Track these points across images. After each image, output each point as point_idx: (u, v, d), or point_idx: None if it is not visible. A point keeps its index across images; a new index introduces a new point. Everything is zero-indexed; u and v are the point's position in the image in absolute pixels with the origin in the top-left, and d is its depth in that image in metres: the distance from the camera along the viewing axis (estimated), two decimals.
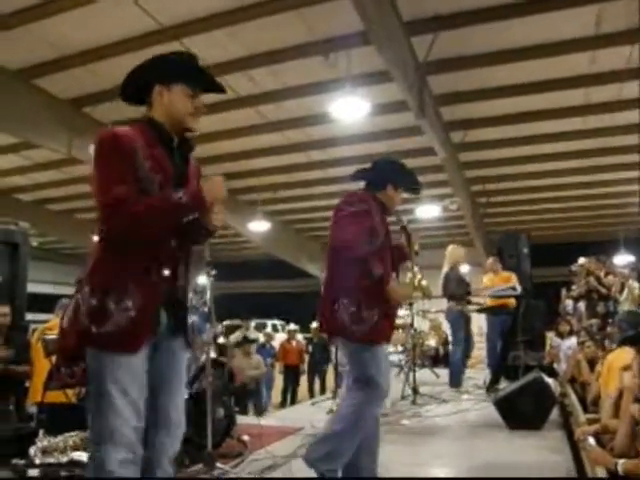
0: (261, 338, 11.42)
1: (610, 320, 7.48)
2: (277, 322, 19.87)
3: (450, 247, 7.40)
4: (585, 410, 4.65)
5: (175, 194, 1.93)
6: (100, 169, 1.94)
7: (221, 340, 8.95)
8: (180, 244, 2.04)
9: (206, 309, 2.95)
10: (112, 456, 1.84)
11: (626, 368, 3.57)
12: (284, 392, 10.50)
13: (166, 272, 1.98)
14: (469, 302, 7.14)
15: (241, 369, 8.74)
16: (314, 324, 11.24)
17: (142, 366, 1.93)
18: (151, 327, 1.95)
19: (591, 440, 3.28)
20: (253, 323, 18.38)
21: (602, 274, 8.85)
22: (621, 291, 8.12)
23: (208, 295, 2.95)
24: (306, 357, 11.15)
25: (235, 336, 10.04)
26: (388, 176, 3.15)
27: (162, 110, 2.06)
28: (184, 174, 2.09)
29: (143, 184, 1.93)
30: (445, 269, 7.13)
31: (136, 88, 2.12)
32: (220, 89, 2.18)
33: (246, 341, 9.27)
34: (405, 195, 3.26)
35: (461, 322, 6.97)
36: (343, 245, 2.88)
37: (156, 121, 2.06)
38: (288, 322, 15.39)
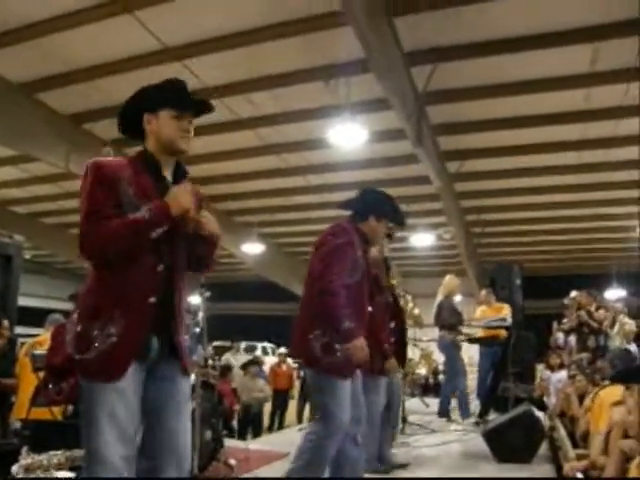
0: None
1: (600, 354, 7.46)
2: (267, 345, 19.72)
3: (447, 277, 7.42)
4: (574, 445, 4.61)
5: (138, 212, 1.93)
6: (84, 196, 1.97)
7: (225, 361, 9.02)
8: (168, 269, 2.01)
9: (198, 330, 2.93)
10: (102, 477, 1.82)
11: (616, 404, 3.57)
12: (272, 416, 10.39)
13: (152, 299, 1.95)
14: (460, 332, 7.14)
15: (247, 389, 8.74)
16: None
17: (132, 392, 1.90)
18: (135, 352, 1.91)
19: (580, 476, 3.26)
20: (243, 345, 18.27)
21: (593, 308, 8.86)
22: (612, 326, 8.13)
23: (200, 316, 2.93)
24: (296, 382, 11.05)
25: (226, 358, 9.97)
26: (371, 207, 3.17)
27: (153, 138, 2.08)
28: None
29: (125, 209, 1.94)
30: (439, 298, 7.14)
31: (130, 122, 2.14)
32: (207, 109, 2.18)
33: (252, 363, 9.23)
34: (390, 226, 3.27)
35: (454, 351, 6.96)
36: (324, 287, 2.86)
37: (146, 150, 2.09)
38: (279, 345, 15.29)
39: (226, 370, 8.69)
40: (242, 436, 7.80)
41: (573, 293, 8.88)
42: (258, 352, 17.47)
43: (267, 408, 10.36)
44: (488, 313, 7.49)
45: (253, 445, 5.04)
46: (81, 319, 1.92)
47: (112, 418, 1.84)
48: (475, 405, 7.15)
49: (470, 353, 8.77)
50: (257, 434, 8.32)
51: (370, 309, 3.15)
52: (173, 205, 1.96)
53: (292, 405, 10.74)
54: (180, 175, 2.14)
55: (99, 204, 1.93)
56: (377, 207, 3.18)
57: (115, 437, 1.84)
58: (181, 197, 1.98)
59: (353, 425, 2.95)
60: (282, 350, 11.94)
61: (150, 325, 1.95)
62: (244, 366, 9.22)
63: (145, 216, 1.92)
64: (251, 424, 8.75)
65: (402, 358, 4.47)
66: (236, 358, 10.79)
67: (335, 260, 2.88)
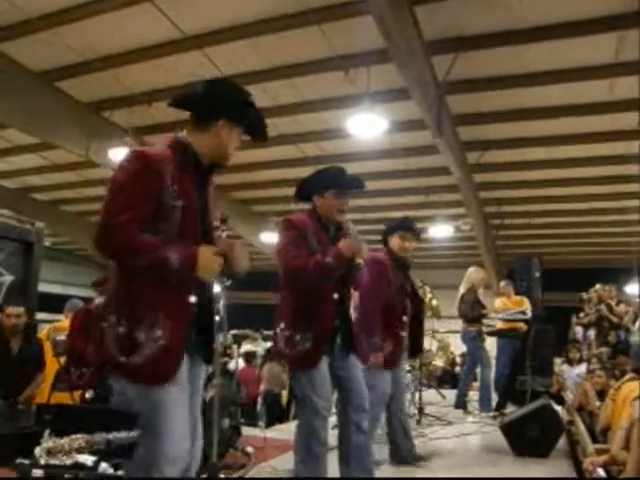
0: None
1: (621, 349, 7.38)
2: None
3: (471, 269, 7.33)
4: (593, 440, 4.57)
5: (178, 251, 1.87)
6: (116, 188, 1.90)
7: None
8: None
9: (217, 318, 2.93)
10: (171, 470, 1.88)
11: (637, 398, 3.52)
12: (288, 405, 10.42)
13: (192, 299, 1.96)
14: (482, 324, 7.07)
15: (276, 375, 8.87)
16: None
17: (185, 384, 1.94)
18: (181, 354, 1.93)
19: (600, 471, 3.23)
20: (260, 334, 18.33)
21: (614, 302, 8.77)
22: (634, 321, 8.03)
23: (221, 304, 2.93)
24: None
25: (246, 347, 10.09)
26: (310, 188, 3.20)
27: (214, 142, 2.06)
28: (206, 201, 2.09)
29: (164, 210, 1.90)
30: (462, 290, 7.07)
31: (198, 109, 2.10)
32: (265, 138, 2.29)
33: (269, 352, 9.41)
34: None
35: (479, 343, 6.90)
36: (289, 271, 2.96)
37: (191, 147, 2.04)
38: None
39: (251, 357, 8.87)
40: (269, 422, 7.90)
41: (597, 286, 8.79)
42: None
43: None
44: (509, 305, 7.42)
45: (270, 433, 5.05)
46: (121, 320, 1.88)
47: (177, 415, 1.88)
48: (493, 398, 7.11)
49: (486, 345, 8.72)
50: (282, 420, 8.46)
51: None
52: (202, 267, 1.91)
53: None
54: (210, 174, 2.16)
55: (137, 200, 1.86)
56: (315, 185, 3.20)
57: (180, 434, 1.89)
58: (212, 263, 1.95)
59: (357, 413, 3.02)
60: None
61: (190, 325, 1.97)
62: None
63: (173, 264, 1.85)
64: (277, 410, 8.88)
65: (416, 349, 4.53)
66: (254, 346, 10.80)
67: (288, 253, 3.01)
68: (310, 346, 2.90)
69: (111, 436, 2.04)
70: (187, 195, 1.95)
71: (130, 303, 1.89)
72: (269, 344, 11.93)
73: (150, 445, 1.86)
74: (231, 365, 8.71)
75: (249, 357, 8.81)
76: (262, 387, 8.74)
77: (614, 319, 8.21)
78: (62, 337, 4.23)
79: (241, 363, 9.17)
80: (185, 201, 1.94)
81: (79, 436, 3.15)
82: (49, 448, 3.01)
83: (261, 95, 8.12)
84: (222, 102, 2.09)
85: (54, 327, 4.91)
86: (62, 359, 4.07)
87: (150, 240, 1.86)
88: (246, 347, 10.28)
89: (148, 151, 1.95)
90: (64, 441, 3.07)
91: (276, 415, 8.57)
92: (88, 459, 3.01)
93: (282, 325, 2.97)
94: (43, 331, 5.21)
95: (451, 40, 6.78)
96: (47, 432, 3.15)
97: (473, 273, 7.21)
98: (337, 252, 2.87)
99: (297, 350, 2.91)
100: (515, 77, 7.45)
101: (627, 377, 4.52)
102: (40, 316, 5.47)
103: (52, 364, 4.36)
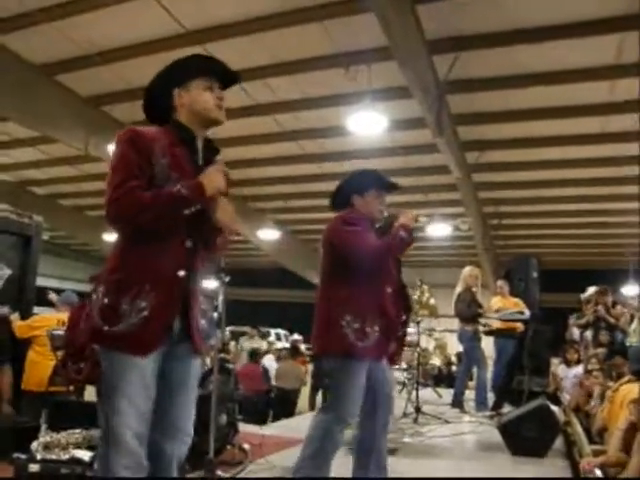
0: (264, 347, 11.41)
1: (618, 350, 7.38)
2: (281, 331, 19.81)
3: (467, 268, 7.32)
4: (590, 440, 4.58)
5: (174, 187, 1.90)
6: (116, 163, 1.93)
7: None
8: (195, 246, 1.99)
9: (216, 314, 2.92)
10: (116, 460, 1.82)
11: (635, 401, 3.52)
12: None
13: (181, 273, 1.93)
14: (479, 323, 7.08)
15: (288, 375, 8.99)
16: None
17: (152, 371, 1.89)
18: (164, 331, 1.91)
19: (597, 472, 3.23)
20: (256, 331, 18.38)
21: (610, 304, 8.76)
22: (630, 322, 8.03)
23: (220, 300, 2.93)
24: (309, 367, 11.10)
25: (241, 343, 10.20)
26: (348, 191, 3.13)
27: (186, 111, 2.06)
28: None
29: (158, 180, 1.91)
30: (458, 289, 7.08)
31: (157, 100, 2.11)
32: (235, 77, 2.17)
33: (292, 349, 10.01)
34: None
35: (476, 343, 6.91)
36: (359, 253, 2.88)
37: (180, 122, 2.06)
38: (292, 332, 15.32)
39: (255, 354, 8.97)
40: (277, 418, 8.06)
41: (592, 288, 8.78)
42: (272, 338, 17.54)
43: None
44: (508, 305, 7.43)
45: (267, 430, 5.06)
46: (108, 292, 1.88)
47: (129, 398, 1.83)
48: (490, 397, 7.12)
49: (483, 345, 8.72)
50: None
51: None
52: (208, 185, 1.94)
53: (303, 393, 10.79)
54: (211, 152, 2.13)
55: (134, 171, 1.89)
56: (355, 185, 3.12)
57: (132, 419, 1.84)
58: (216, 178, 1.97)
59: (386, 415, 3.07)
60: (295, 337, 11.97)
61: (177, 302, 1.93)
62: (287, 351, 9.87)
63: (182, 192, 1.89)
64: (288, 407, 9.02)
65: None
66: (250, 343, 10.84)
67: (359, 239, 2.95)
68: (379, 337, 2.89)
69: None
70: (181, 168, 1.96)
71: (119, 275, 1.90)
72: (263, 342, 12.04)
73: (103, 418, 1.87)
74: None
75: (254, 355, 8.94)
76: (273, 383, 9.03)
77: (611, 320, 8.21)
78: (59, 331, 4.21)
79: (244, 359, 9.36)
80: (179, 174, 1.94)
81: (76, 431, 3.17)
82: (46, 443, 3.03)
83: (262, 91, 8.12)
84: (164, 77, 2.10)
85: (58, 320, 4.82)
86: (59, 353, 4.07)
87: (155, 191, 1.89)
88: (252, 344, 10.48)
89: (139, 128, 1.98)
90: (61, 435, 3.10)
91: (287, 411, 8.75)
92: (85, 454, 3.03)
93: (348, 317, 2.85)
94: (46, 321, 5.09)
95: (452, 39, 6.77)
96: (44, 427, 3.16)
97: (467, 272, 7.22)
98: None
99: (369, 341, 2.85)
100: (515, 77, 7.45)
101: (625, 379, 4.52)
102: (37, 310, 5.41)
103: (47, 359, 4.35)
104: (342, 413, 2.86)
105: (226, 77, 2.15)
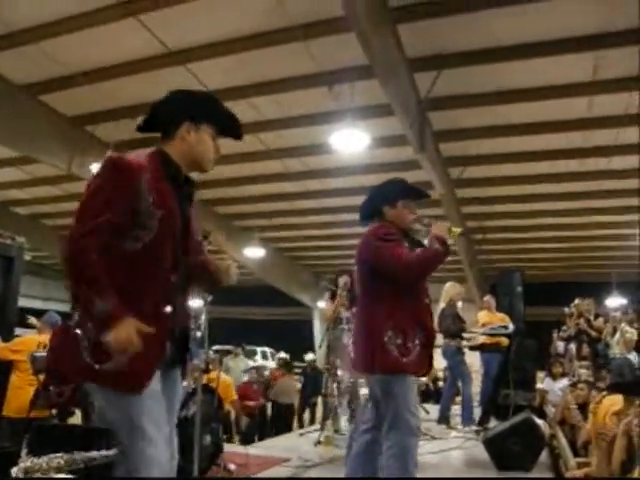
0: (251, 365, 11.34)
1: (601, 363, 7.45)
2: (267, 350, 19.69)
3: (448, 284, 7.37)
4: (575, 454, 4.59)
5: (103, 298, 1.77)
6: (90, 193, 1.86)
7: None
8: (180, 279, 1.98)
9: (199, 334, 2.92)
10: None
11: (617, 413, 3.56)
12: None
13: (167, 309, 1.92)
14: (462, 339, 7.10)
15: (287, 390, 9.01)
16: (309, 355, 11.20)
17: (160, 392, 1.90)
18: (156, 362, 1.89)
19: None
20: (242, 349, 18.29)
21: (592, 317, 8.85)
22: (613, 334, 8.11)
23: (203, 320, 2.93)
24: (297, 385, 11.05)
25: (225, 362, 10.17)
26: (377, 202, 3.13)
27: (183, 147, 2.01)
28: (187, 214, 2.04)
29: (142, 217, 1.86)
30: (442, 305, 7.10)
31: (161, 122, 2.06)
32: (239, 135, 2.16)
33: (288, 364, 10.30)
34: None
35: (459, 358, 6.92)
36: (398, 267, 2.83)
37: (169, 157, 2.01)
38: (278, 350, 15.25)
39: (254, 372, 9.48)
40: (274, 434, 8.17)
41: (576, 301, 8.87)
42: (258, 357, 17.44)
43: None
44: (494, 320, 7.47)
45: (253, 450, 5.01)
46: (96, 327, 1.80)
47: (156, 423, 1.84)
48: (476, 413, 7.11)
49: (470, 360, 8.73)
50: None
51: None
52: (114, 336, 1.78)
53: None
54: (191, 186, 2.09)
55: (110, 205, 1.82)
56: (387, 196, 3.12)
57: (162, 440, 1.84)
58: (125, 339, 1.77)
59: None
60: (282, 355, 11.91)
61: (167, 334, 1.92)
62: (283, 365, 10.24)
63: (97, 307, 1.77)
64: (284, 423, 9.11)
65: None
66: (235, 362, 10.76)
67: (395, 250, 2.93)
68: (420, 351, 2.87)
69: (91, 455, 2.02)
70: (166, 205, 1.91)
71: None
72: (249, 361, 12.04)
73: (132, 451, 1.82)
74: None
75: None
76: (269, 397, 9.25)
77: (593, 333, 8.30)
78: (41, 354, 4.16)
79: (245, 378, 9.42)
80: (163, 210, 1.89)
81: (58, 455, 3.11)
82: (27, 468, 2.97)
83: (246, 110, 8.15)
84: (180, 105, 2.06)
85: (39, 343, 4.75)
86: (41, 376, 4.01)
87: (98, 270, 1.78)
88: (238, 363, 10.56)
89: (125, 158, 1.91)
90: (42, 460, 3.04)
91: (286, 424, 8.94)
92: (67, 478, 2.98)
93: (389, 333, 2.82)
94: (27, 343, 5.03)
95: (433, 58, 6.89)
96: (25, 451, 3.10)
97: (450, 287, 7.25)
98: None
99: (413, 356, 2.84)
100: (496, 94, 7.58)
101: (606, 392, 4.55)
102: (19, 332, 5.35)
103: (28, 384, 4.28)
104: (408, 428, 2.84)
105: (232, 131, 2.15)
